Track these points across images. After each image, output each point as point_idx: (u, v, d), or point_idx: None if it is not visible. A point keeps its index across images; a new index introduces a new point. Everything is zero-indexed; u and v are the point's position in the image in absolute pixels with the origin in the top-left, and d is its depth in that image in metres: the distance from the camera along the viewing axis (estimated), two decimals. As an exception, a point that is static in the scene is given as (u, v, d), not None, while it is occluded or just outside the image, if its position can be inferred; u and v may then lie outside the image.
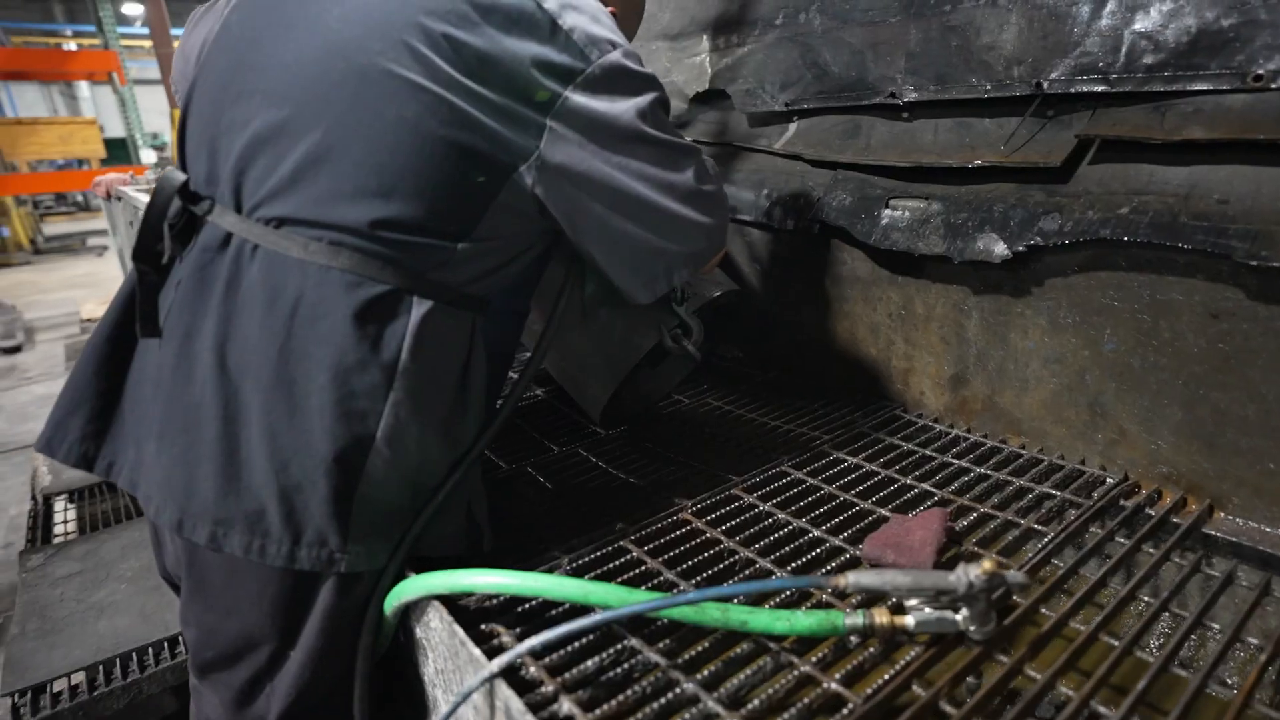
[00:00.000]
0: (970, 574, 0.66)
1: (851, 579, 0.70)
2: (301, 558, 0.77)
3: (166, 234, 0.79)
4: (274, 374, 0.74)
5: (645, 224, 0.88)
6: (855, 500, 1.03)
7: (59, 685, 1.57)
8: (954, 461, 1.12)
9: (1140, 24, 0.96)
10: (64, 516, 2.24)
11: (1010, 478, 1.06)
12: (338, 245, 0.74)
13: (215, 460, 0.75)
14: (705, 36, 1.64)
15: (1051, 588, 0.83)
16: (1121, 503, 1.00)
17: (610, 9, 1.02)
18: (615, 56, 0.81)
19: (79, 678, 1.58)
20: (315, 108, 0.75)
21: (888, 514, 0.98)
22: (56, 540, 2.13)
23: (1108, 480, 1.05)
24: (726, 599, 0.74)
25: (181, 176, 0.80)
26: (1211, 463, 0.97)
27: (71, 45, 15.97)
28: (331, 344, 0.74)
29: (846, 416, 1.32)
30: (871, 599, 0.80)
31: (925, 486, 1.05)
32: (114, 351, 0.84)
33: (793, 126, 1.50)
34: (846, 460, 1.15)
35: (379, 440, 0.76)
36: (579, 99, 0.79)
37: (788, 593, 0.82)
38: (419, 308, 0.77)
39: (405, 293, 0.77)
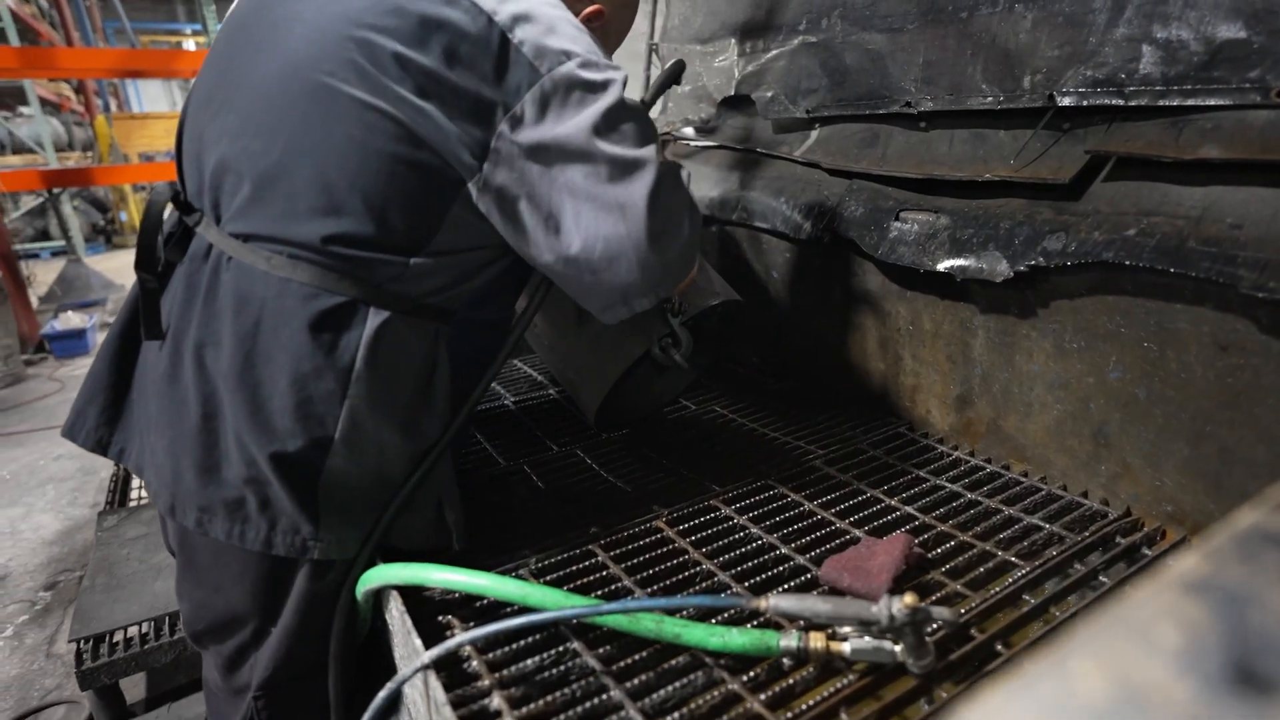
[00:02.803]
0: (892, 606, 0.65)
1: (772, 602, 0.70)
2: (277, 544, 0.83)
3: (160, 245, 0.86)
4: (241, 376, 0.79)
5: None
6: (832, 519, 1.01)
7: (118, 636, 1.73)
8: (946, 485, 1.09)
9: (1159, 34, 0.91)
10: (139, 482, 2.45)
11: (1000, 506, 1.02)
12: (296, 259, 0.79)
13: (196, 453, 0.82)
14: (733, 41, 1.63)
15: (1014, 624, 0.80)
16: (1118, 539, 0.95)
17: (596, 7, 1.01)
18: (568, 68, 0.79)
19: (134, 631, 1.74)
20: (273, 127, 0.79)
21: (861, 535, 0.97)
22: (131, 504, 2.34)
23: (1109, 514, 1.00)
24: (657, 611, 0.75)
25: (168, 193, 0.86)
26: (1218, 504, 0.91)
27: (190, 44, 17.19)
28: (290, 351, 0.78)
29: (847, 432, 1.30)
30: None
31: (909, 510, 1.02)
32: (123, 348, 0.93)
33: (814, 134, 1.47)
34: (835, 477, 1.13)
35: (337, 441, 0.81)
36: (525, 115, 0.78)
37: (733, 610, 0.82)
38: (375, 318, 0.81)
39: (361, 303, 0.81)
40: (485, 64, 0.78)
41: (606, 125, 0.80)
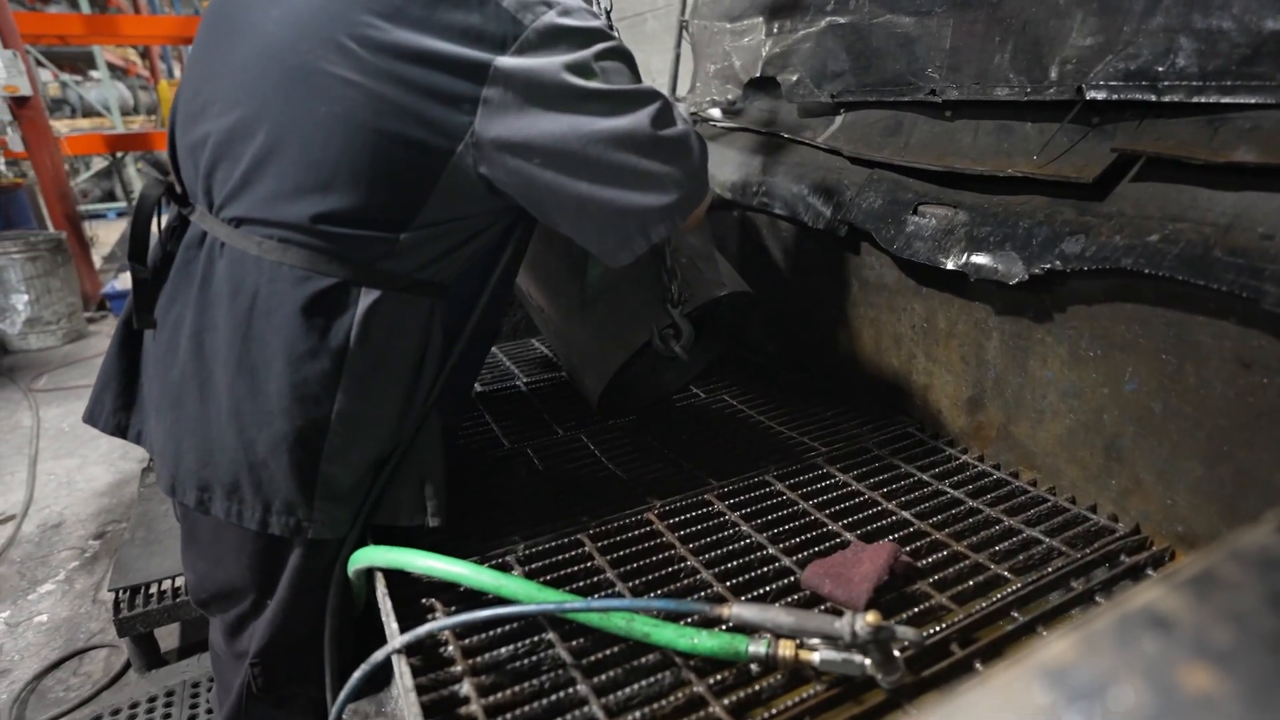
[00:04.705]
0: (855, 624, 0.64)
1: (734, 610, 0.69)
2: (273, 524, 0.86)
3: (153, 237, 0.89)
4: (238, 361, 0.81)
5: (606, 181, 0.83)
6: (825, 521, 1.00)
7: (153, 588, 1.83)
8: (948, 491, 1.06)
9: (1199, 24, 0.84)
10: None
11: (1001, 515, 0.99)
12: (286, 242, 0.80)
13: (194, 436, 0.85)
14: (762, 20, 1.58)
15: (997, 641, 0.78)
16: (1122, 558, 0.91)
17: None
18: (549, 17, 0.78)
19: (168, 585, 1.83)
20: (257, 111, 0.79)
21: (851, 539, 0.95)
22: (174, 462, 2.45)
23: (1117, 530, 0.96)
24: (622, 611, 0.75)
25: (159, 189, 0.89)
26: (1231, 528, 0.86)
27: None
28: (284, 335, 0.80)
29: (854, 429, 1.27)
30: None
31: (905, 515, 1.00)
32: (129, 336, 0.96)
33: (838, 119, 1.42)
34: (835, 477, 1.11)
35: (334, 420, 0.83)
36: (511, 65, 0.77)
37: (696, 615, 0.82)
38: (366, 298, 0.82)
39: (352, 284, 0.82)
40: (466, 23, 0.77)
41: (597, 65, 0.81)
